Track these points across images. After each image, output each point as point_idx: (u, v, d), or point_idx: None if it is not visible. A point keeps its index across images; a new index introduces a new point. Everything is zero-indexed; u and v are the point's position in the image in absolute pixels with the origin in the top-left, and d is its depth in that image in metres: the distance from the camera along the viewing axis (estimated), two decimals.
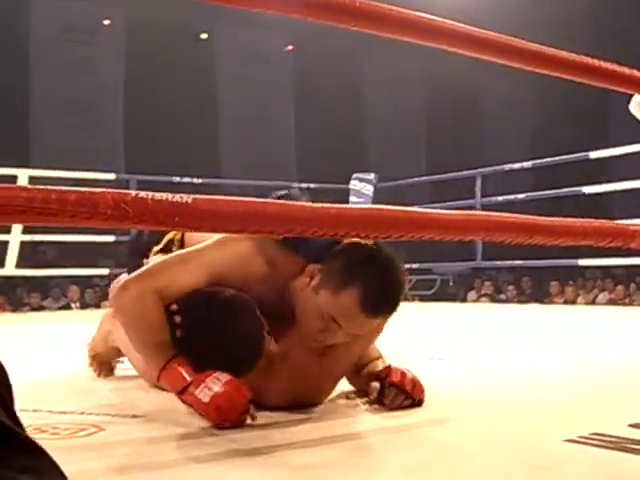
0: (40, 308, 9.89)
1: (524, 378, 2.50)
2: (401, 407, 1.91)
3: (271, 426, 1.71)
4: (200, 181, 7.98)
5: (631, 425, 1.67)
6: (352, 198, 8.35)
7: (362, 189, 8.52)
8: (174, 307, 1.80)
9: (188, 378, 1.69)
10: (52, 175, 8.83)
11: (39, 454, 0.63)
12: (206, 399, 1.65)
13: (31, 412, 1.87)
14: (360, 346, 1.98)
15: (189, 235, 2.13)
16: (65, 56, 14.73)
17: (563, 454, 1.46)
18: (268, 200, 1.33)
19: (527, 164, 7.03)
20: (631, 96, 2.88)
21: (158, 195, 1.07)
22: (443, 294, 11.27)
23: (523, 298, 11.71)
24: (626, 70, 1.83)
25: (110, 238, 7.51)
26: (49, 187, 1.02)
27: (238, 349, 1.75)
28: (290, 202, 1.23)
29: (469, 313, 6.99)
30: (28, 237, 7.18)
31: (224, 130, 16.22)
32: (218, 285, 1.83)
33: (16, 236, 6.75)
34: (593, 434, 1.58)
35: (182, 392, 1.69)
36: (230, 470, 1.37)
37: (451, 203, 7.23)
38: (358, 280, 1.77)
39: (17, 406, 1.88)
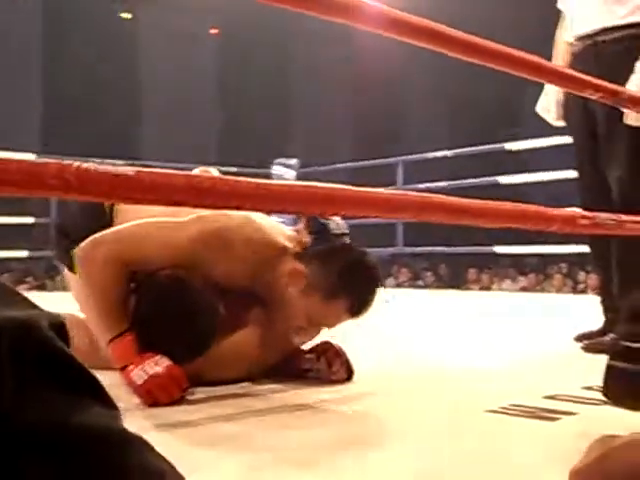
0: None
1: (446, 359, 2.60)
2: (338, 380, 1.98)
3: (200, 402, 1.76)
4: (121, 163, 7.83)
5: (545, 397, 1.80)
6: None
7: (284, 174, 8.54)
8: (132, 285, 1.80)
9: (130, 357, 1.71)
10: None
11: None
12: (139, 381, 1.68)
13: None
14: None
15: (123, 209, 2.09)
16: None
17: (485, 422, 1.55)
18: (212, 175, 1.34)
19: (448, 152, 7.17)
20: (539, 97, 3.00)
21: (102, 167, 1.08)
22: None
23: (441, 284, 11.97)
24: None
25: (29, 220, 7.29)
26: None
27: (187, 339, 1.76)
28: (235, 178, 1.26)
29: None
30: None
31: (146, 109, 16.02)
32: (185, 263, 1.82)
33: None
34: (512, 405, 1.69)
35: (123, 369, 1.71)
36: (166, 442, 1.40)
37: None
38: (349, 290, 1.85)
39: None
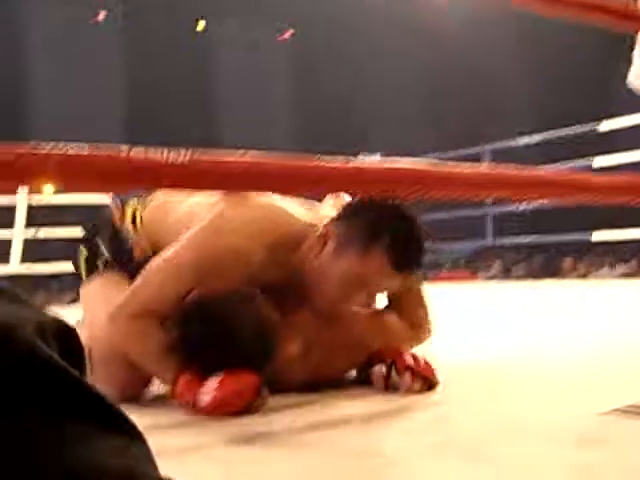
0: None
1: (543, 355, 2.39)
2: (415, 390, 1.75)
3: (278, 410, 1.61)
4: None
5: None
6: None
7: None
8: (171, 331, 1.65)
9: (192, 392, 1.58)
10: None
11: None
12: (207, 398, 1.55)
13: None
14: (377, 331, 1.86)
15: (150, 216, 1.95)
16: None
17: (604, 428, 1.35)
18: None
19: (537, 137, 6.88)
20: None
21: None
22: (454, 274, 11.12)
23: (534, 275, 11.57)
24: None
25: None
26: None
27: (248, 357, 1.59)
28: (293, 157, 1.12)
29: (487, 293, 6.87)
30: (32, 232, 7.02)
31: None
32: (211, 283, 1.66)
33: (20, 231, 6.61)
34: (629, 406, 1.48)
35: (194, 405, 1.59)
36: (233, 456, 1.27)
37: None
38: (385, 235, 1.66)
39: None
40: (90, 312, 1.92)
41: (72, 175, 0.95)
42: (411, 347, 1.88)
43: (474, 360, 2.23)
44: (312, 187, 1.22)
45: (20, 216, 6.51)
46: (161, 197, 1.98)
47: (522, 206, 7.47)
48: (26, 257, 6.64)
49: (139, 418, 1.39)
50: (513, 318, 3.66)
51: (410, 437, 1.37)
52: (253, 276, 1.69)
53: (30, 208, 6.52)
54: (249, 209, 1.72)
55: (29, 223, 6.63)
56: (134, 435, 0.43)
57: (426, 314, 1.97)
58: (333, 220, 1.74)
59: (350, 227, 1.69)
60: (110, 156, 0.97)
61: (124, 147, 0.96)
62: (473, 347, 2.54)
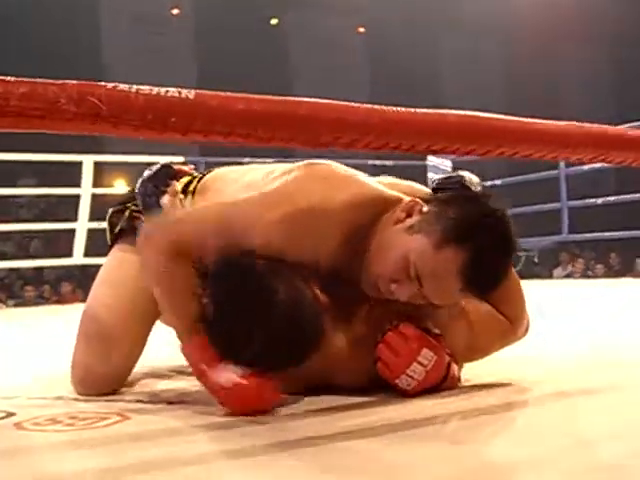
0: None
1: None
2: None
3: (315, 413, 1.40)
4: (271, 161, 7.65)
5: None
6: (430, 174, 7.94)
7: (440, 165, 8.11)
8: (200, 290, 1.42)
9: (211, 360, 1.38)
10: (118, 160, 8.74)
11: None
12: (228, 384, 1.35)
13: (52, 399, 1.62)
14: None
15: (203, 188, 1.76)
16: None
17: None
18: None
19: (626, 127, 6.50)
20: None
21: (145, 88, 0.75)
22: (527, 272, 10.71)
23: (611, 274, 11.10)
24: None
25: None
26: None
27: (281, 342, 1.35)
28: (336, 102, 0.92)
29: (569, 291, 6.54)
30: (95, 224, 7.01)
31: None
32: (267, 245, 1.42)
33: (83, 224, 6.60)
34: None
35: (201, 373, 1.40)
36: (270, 465, 1.06)
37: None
38: (470, 241, 1.39)
39: (41, 394, 1.61)
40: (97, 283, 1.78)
41: None
42: (507, 344, 1.67)
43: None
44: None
45: (84, 207, 6.50)
46: (219, 172, 1.81)
47: (600, 199, 7.10)
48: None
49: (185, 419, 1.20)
50: (592, 318, 3.38)
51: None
52: (315, 249, 1.46)
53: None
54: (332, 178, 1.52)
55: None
56: None
57: (523, 306, 1.70)
58: (423, 198, 1.49)
59: (439, 213, 1.44)
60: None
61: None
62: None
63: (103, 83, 0.75)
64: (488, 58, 17.28)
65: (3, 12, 12.97)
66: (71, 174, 7.10)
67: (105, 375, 1.65)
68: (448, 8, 15.66)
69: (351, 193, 1.48)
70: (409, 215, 1.45)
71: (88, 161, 6.80)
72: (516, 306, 1.67)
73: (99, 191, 7.00)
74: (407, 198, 1.50)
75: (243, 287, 1.37)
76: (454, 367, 1.56)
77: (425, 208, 1.46)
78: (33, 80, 0.72)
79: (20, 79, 0.72)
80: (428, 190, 1.62)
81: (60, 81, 0.73)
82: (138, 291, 1.63)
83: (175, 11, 15.44)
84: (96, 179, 6.83)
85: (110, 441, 1.24)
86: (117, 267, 1.77)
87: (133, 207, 1.83)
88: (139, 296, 1.64)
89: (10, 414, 1.46)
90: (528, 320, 1.70)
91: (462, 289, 1.42)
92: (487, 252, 1.40)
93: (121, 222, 1.82)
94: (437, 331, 1.53)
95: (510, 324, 1.66)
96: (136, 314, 1.67)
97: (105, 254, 1.84)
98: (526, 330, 1.70)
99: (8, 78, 0.72)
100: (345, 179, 1.53)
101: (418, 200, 1.47)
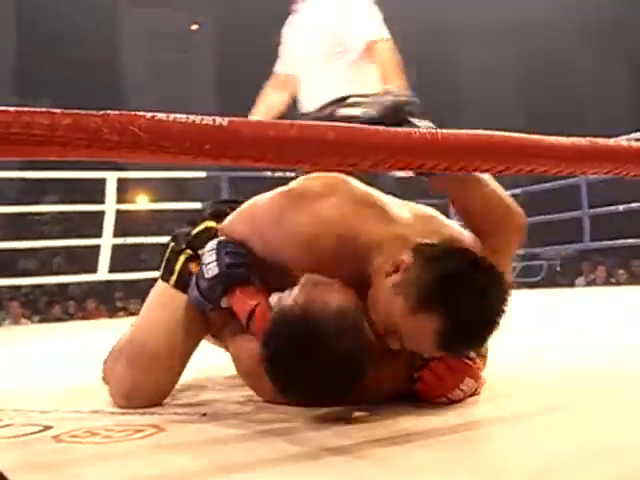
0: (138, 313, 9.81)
1: None
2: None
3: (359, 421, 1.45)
4: (292, 175, 7.66)
5: None
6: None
7: None
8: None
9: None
10: (142, 176, 8.83)
11: None
12: None
13: (87, 413, 1.66)
14: None
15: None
16: None
17: None
18: (328, 123, 1.02)
19: None
20: None
21: (181, 116, 0.80)
22: (549, 280, 10.66)
23: (634, 280, 11.03)
24: None
25: None
26: (38, 109, 0.77)
27: (335, 384, 1.39)
28: (361, 127, 0.96)
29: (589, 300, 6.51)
30: (120, 240, 7.09)
31: None
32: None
33: (108, 240, 6.67)
34: None
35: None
36: (301, 474, 1.10)
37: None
38: (444, 306, 1.38)
39: (77, 407, 1.66)
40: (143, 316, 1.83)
41: None
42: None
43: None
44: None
45: (109, 223, 6.57)
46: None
47: (622, 206, 7.07)
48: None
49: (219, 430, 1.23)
50: (617, 326, 3.38)
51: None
52: (325, 267, 1.50)
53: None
54: (334, 196, 1.56)
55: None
56: None
57: (507, 205, 1.66)
58: (417, 250, 1.48)
59: (419, 275, 1.42)
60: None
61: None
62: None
63: (142, 113, 0.80)
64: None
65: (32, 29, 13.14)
66: (92, 191, 7.18)
67: (149, 389, 1.71)
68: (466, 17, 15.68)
69: (362, 229, 1.53)
70: (396, 271, 1.46)
71: (112, 178, 6.88)
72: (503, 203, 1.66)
73: (123, 207, 7.08)
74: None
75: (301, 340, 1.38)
76: (483, 380, 1.61)
77: (410, 263, 1.44)
78: (77, 112, 0.77)
79: (65, 111, 0.78)
80: (441, 228, 1.63)
81: (102, 112, 0.78)
82: (183, 311, 1.72)
83: (194, 27, 15.61)
84: (119, 195, 6.91)
85: (147, 453, 1.28)
86: (161, 294, 1.81)
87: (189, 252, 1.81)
88: (184, 315, 1.73)
89: (47, 427, 1.51)
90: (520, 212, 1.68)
91: (440, 351, 1.45)
92: (463, 315, 1.38)
93: (177, 266, 1.80)
94: (474, 355, 1.58)
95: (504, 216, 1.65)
96: (179, 332, 1.73)
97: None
98: (522, 217, 1.68)
99: (54, 110, 0.78)
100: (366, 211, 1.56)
101: (404, 258, 1.45)
